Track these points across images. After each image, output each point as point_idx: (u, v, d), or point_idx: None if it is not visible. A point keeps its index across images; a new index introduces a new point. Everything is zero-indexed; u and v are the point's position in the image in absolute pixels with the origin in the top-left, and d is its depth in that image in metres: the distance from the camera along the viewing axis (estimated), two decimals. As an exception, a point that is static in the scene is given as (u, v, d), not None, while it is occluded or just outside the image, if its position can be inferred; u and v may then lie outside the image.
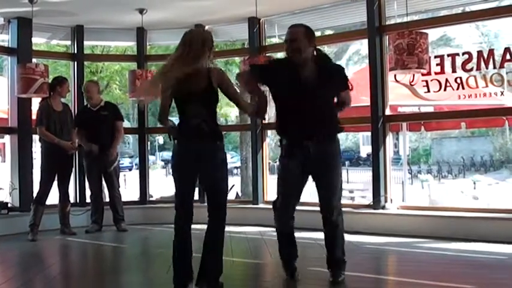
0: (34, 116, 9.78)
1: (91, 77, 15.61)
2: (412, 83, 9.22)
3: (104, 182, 9.80)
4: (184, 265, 5.28)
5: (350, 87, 6.02)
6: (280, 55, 14.61)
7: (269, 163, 11.49)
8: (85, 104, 10.01)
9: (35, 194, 9.20)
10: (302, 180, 5.76)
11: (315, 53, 5.72)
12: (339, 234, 5.83)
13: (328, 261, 5.86)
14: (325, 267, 5.86)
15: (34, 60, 9.86)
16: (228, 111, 18.90)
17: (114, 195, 9.70)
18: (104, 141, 9.50)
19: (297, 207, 5.85)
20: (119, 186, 9.84)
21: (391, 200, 8.94)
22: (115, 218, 9.70)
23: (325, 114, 5.68)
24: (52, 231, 9.09)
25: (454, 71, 8.69)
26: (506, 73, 8.35)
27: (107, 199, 9.97)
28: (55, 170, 8.96)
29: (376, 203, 8.92)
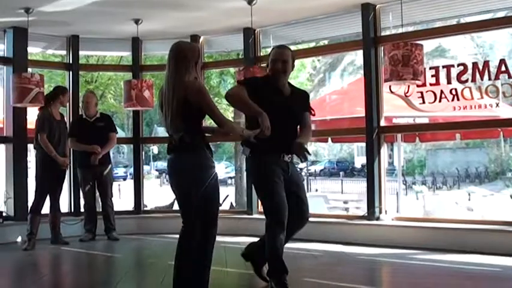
0: (29, 126, 9.78)
1: (86, 87, 15.62)
2: (407, 94, 9.25)
3: (97, 191, 9.82)
4: None
5: (312, 112, 5.96)
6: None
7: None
8: (81, 114, 10.08)
9: (29, 203, 9.19)
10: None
11: None
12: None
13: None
14: (320, 278, 5.88)
15: (29, 69, 9.84)
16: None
17: (107, 204, 9.73)
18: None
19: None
20: (112, 196, 9.87)
21: (386, 211, 8.93)
22: (106, 227, 9.73)
23: (296, 133, 5.79)
24: (43, 240, 9.02)
25: (449, 82, 8.70)
26: (501, 85, 8.37)
27: (100, 208, 9.99)
28: (50, 178, 8.93)
29: (371, 214, 8.91)
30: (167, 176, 5.59)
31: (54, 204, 9.09)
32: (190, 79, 5.15)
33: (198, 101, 5.12)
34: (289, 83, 5.96)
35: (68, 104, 9.94)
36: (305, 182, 34.94)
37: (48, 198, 9.01)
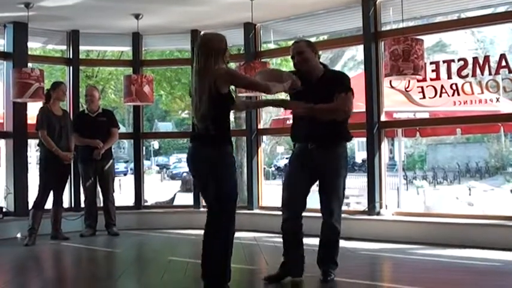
0: (29, 121, 9.77)
1: (87, 82, 15.58)
2: (407, 89, 9.24)
3: (98, 187, 9.82)
4: None
5: (348, 92, 5.88)
6: (276, 60, 14.68)
7: (264, 168, 11.47)
8: (83, 109, 10.08)
9: (30, 199, 9.19)
10: (305, 180, 5.91)
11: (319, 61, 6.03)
12: (334, 237, 6.00)
13: (320, 261, 5.99)
14: (320, 273, 5.88)
15: (30, 64, 9.81)
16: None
17: (108, 199, 9.74)
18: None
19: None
20: (113, 191, 9.85)
21: (386, 206, 8.93)
22: (107, 222, 9.74)
23: (323, 122, 5.74)
24: (43, 235, 9.01)
25: (449, 77, 8.69)
26: (502, 79, 8.36)
27: (101, 203, 10.00)
28: (54, 174, 8.91)
29: (371, 209, 8.91)
30: (186, 163, 5.61)
31: (57, 200, 9.08)
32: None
33: (231, 82, 5.33)
34: (326, 69, 6.04)
35: (66, 98, 9.85)
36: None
37: (51, 193, 9.01)
